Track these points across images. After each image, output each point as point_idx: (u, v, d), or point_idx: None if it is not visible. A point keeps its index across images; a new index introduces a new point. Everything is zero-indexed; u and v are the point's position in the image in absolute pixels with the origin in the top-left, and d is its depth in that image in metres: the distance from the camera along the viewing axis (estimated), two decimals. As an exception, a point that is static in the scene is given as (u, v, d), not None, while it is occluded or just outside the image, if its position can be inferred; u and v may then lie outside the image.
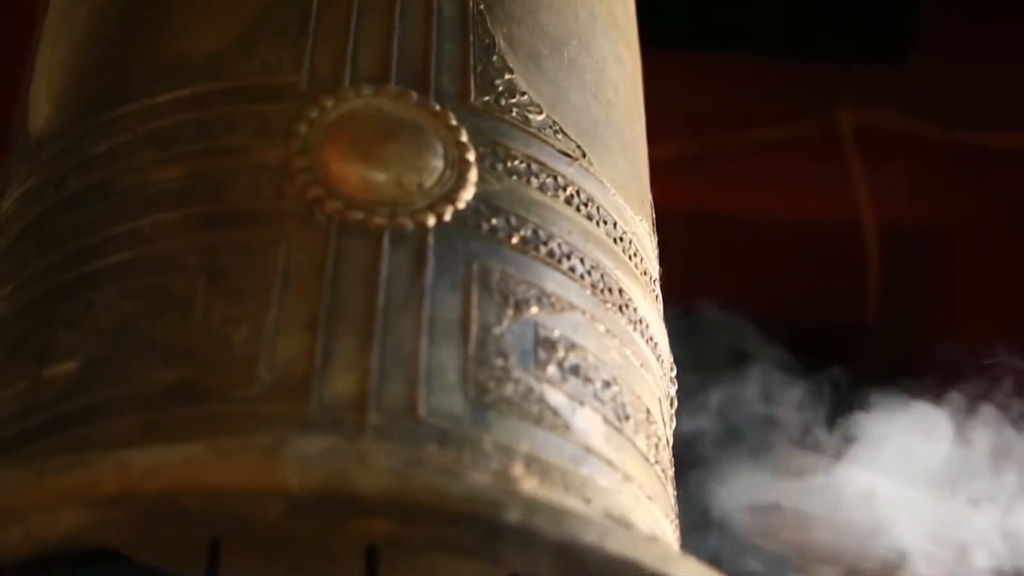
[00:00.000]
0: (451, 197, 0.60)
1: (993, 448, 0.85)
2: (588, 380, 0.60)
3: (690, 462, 0.68)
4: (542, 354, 0.59)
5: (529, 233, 0.62)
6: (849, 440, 0.86)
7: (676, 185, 1.16)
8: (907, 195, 1.25)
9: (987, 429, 0.86)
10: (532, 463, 0.55)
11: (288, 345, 0.55)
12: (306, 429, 0.53)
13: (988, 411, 0.87)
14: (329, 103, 0.61)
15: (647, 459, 0.62)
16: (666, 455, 0.65)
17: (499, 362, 0.57)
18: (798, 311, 1.28)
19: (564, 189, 0.64)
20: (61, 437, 0.54)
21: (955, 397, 0.87)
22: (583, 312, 0.62)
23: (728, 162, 1.23)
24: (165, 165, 0.61)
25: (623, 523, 0.56)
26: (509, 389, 0.57)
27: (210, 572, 0.70)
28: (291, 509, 0.48)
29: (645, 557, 0.51)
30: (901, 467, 0.84)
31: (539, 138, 0.65)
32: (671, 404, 0.70)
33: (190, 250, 0.58)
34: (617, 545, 0.50)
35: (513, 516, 0.49)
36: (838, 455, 0.87)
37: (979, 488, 0.84)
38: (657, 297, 0.70)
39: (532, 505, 0.50)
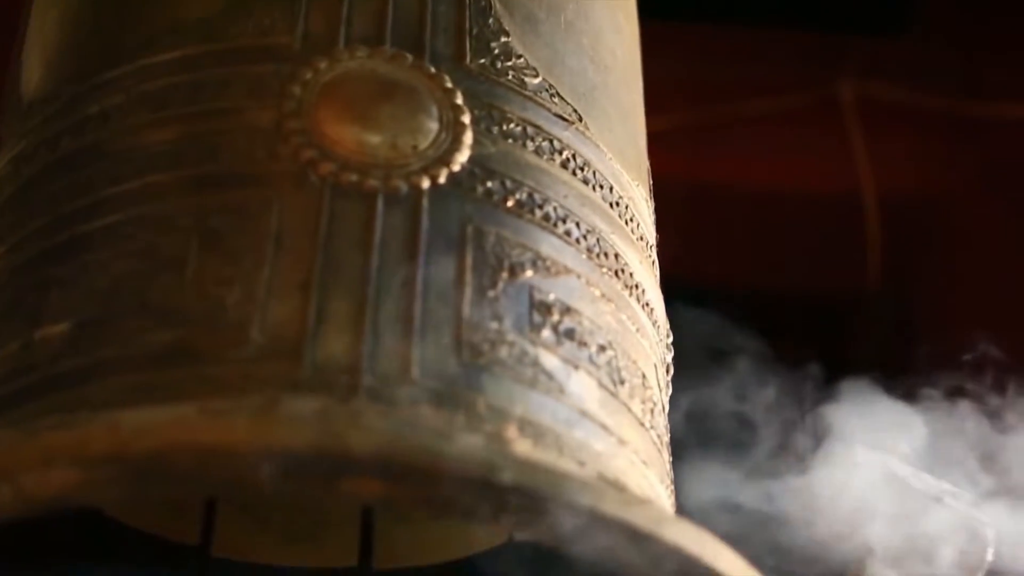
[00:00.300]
0: (446, 159, 0.60)
1: (980, 439, 0.84)
2: (583, 344, 0.59)
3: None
4: (537, 318, 0.58)
5: (524, 196, 0.61)
6: (825, 435, 0.84)
7: (675, 156, 1.15)
8: (908, 166, 1.24)
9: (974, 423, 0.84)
10: (526, 426, 0.55)
11: (281, 307, 0.55)
12: (298, 390, 0.52)
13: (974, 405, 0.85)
14: (323, 64, 0.61)
15: (642, 424, 0.61)
16: (661, 420, 0.64)
17: (493, 325, 0.57)
18: (797, 283, 1.28)
19: (560, 153, 0.64)
20: (53, 398, 0.54)
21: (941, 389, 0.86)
22: (578, 276, 0.61)
23: (727, 133, 1.23)
24: (158, 127, 0.60)
25: (618, 487, 0.56)
26: (503, 352, 0.57)
27: (204, 540, 0.71)
28: (282, 470, 0.48)
29: (639, 519, 0.50)
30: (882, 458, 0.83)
31: (535, 101, 0.64)
32: (667, 370, 0.69)
33: (183, 212, 0.58)
34: (611, 507, 0.50)
35: (507, 477, 0.49)
36: (816, 450, 0.85)
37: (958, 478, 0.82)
38: (654, 263, 0.70)
39: (526, 467, 0.50)
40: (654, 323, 0.67)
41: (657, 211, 0.75)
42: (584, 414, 0.58)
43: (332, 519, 0.74)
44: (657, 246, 0.73)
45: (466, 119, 0.61)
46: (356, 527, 0.70)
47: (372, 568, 0.70)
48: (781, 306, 1.28)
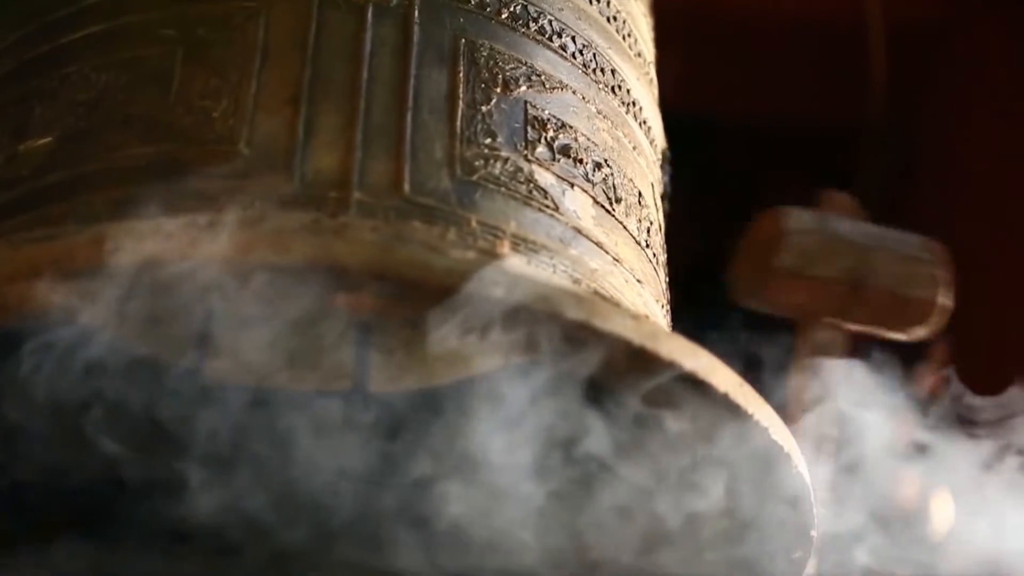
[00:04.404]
0: (438, -32, 0.58)
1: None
2: (579, 161, 0.58)
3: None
4: (531, 133, 0.57)
5: (519, 9, 0.60)
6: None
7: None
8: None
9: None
10: (520, 242, 0.54)
11: (269, 120, 0.54)
12: (287, 205, 0.51)
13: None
14: None
15: (638, 243, 0.60)
16: (658, 240, 0.64)
17: (487, 140, 0.56)
18: (800, 110, 1.26)
19: (556, -36, 0.62)
20: (39, 212, 0.53)
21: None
22: (574, 92, 0.60)
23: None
24: (140, -69, 0.58)
25: (612, 304, 0.55)
26: (497, 168, 0.56)
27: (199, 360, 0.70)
28: (270, 283, 0.47)
29: (632, 333, 0.50)
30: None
31: (530, -91, 0.62)
32: (663, 192, 0.68)
33: (168, 22, 0.56)
34: (603, 321, 0.49)
35: (497, 291, 0.48)
36: None
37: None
38: (652, 81, 0.68)
39: (517, 280, 0.49)
40: (651, 142, 0.65)
41: (656, 38, 0.73)
42: (579, 231, 0.57)
43: (329, 342, 0.73)
44: (657, 74, 0.71)
45: (459, -73, 0.59)
46: (352, 350, 0.69)
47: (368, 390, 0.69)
48: (780, 136, 1.26)
